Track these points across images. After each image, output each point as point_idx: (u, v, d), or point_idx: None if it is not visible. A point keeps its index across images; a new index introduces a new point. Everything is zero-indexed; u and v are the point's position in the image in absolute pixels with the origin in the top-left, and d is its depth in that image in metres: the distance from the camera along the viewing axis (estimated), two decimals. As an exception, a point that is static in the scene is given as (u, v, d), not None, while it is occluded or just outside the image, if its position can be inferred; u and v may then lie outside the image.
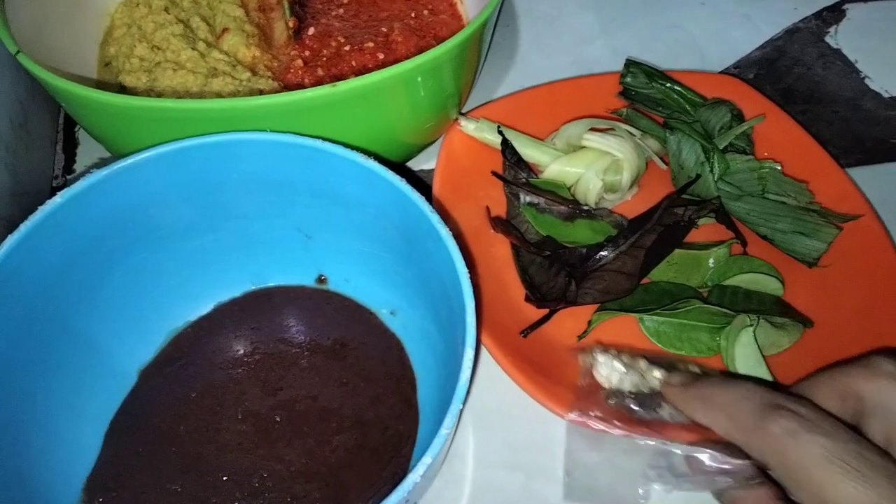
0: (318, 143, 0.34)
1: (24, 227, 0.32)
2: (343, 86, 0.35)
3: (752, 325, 0.39)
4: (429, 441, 0.34)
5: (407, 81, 0.38)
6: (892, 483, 0.24)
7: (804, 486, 0.26)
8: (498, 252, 0.45)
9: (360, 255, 0.40)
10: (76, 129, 0.52)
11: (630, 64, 0.50)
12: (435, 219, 0.32)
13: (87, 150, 0.51)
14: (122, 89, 0.46)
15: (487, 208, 0.46)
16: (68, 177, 0.49)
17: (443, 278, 0.33)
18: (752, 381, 0.30)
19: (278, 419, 0.37)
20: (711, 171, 0.44)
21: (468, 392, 0.28)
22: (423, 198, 0.33)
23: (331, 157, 0.35)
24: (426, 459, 0.26)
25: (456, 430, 0.28)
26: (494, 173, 0.46)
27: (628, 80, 0.50)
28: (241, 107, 0.35)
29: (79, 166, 0.50)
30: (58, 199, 0.33)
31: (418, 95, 0.40)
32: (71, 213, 0.33)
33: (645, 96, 0.50)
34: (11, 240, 0.31)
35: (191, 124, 0.35)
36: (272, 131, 0.36)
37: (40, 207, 0.32)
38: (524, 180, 0.46)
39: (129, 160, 0.34)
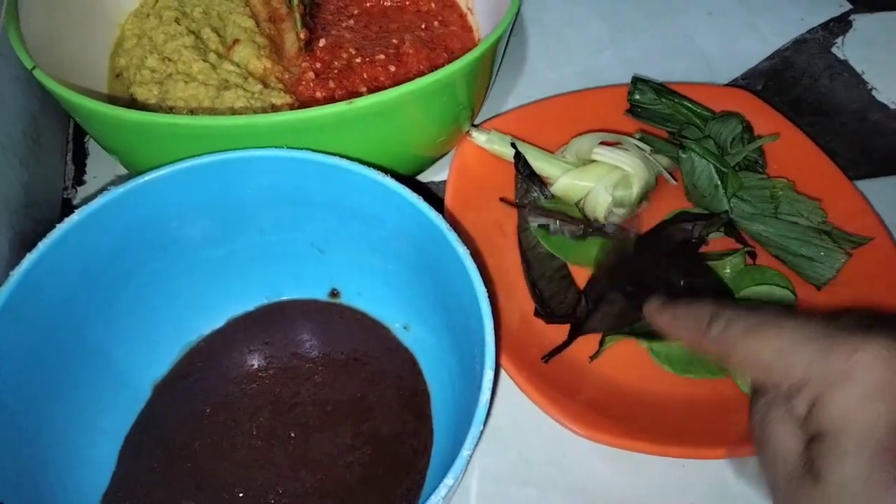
0: (335, 161, 0.35)
1: (42, 245, 0.32)
2: (360, 102, 0.36)
3: None
4: (444, 456, 0.35)
5: (423, 97, 0.38)
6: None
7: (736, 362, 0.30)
8: (509, 263, 0.45)
9: (373, 269, 0.40)
10: (86, 140, 0.52)
11: (637, 81, 0.51)
12: (452, 237, 0.32)
13: (98, 162, 0.51)
14: (133, 101, 0.46)
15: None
16: (78, 188, 0.49)
17: (459, 295, 0.33)
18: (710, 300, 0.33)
19: (293, 435, 0.37)
20: (725, 192, 0.44)
21: (488, 412, 0.28)
22: (440, 216, 0.33)
23: (347, 173, 0.35)
24: (448, 481, 0.26)
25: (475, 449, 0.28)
26: (502, 199, 0.47)
27: (636, 97, 0.50)
28: (258, 123, 0.35)
29: (89, 177, 0.50)
30: (75, 216, 0.33)
31: (433, 110, 0.40)
32: (88, 230, 0.33)
33: (653, 112, 0.50)
34: (30, 258, 0.31)
35: (207, 140, 0.36)
36: (288, 147, 0.36)
37: (58, 225, 0.32)
38: (532, 199, 0.46)
39: (147, 177, 0.34)
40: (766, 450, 0.29)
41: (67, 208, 0.48)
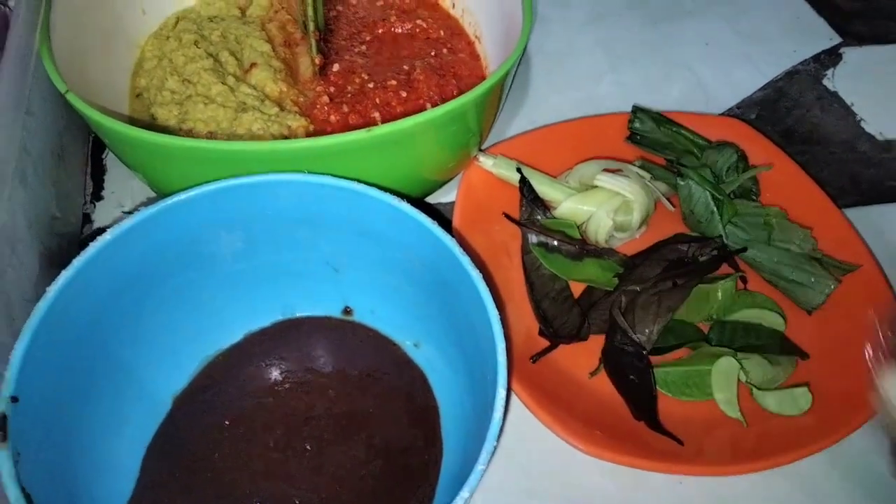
0: (355, 186, 0.36)
1: (76, 263, 0.33)
2: (378, 130, 0.37)
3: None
4: (453, 469, 0.37)
5: (437, 126, 0.40)
6: None
7: None
8: (514, 283, 0.47)
9: (385, 288, 0.42)
10: (104, 157, 0.53)
11: (637, 110, 0.53)
12: (466, 261, 0.34)
13: (115, 177, 0.52)
14: (153, 120, 0.48)
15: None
16: (97, 203, 0.51)
17: (470, 316, 0.35)
18: None
19: (308, 447, 0.38)
20: (721, 218, 0.46)
21: (502, 429, 0.30)
22: (454, 240, 0.35)
23: (365, 198, 0.37)
24: (464, 493, 0.28)
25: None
26: (506, 215, 0.48)
27: (636, 125, 0.52)
28: (282, 149, 0.37)
29: (107, 193, 0.51)
30: (107, 235, 0.34)
31: (445, 138, 0.42)
32: (119, 248, 0.35)
33: (652, 140, 0.52)
34: (65, 275, 0.33)
35: (233, 163, 0.37)
36: (309, 171, 0.37)
37: (91, 244, 0.34)
38: (535, 220, 0.48)
39: (176, 198, 0.35)
40: None
41: (86, 223, 0.50)
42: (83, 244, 0.48)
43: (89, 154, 0.53)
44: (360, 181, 0.37)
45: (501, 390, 0.31)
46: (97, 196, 0.51)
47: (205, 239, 0.38)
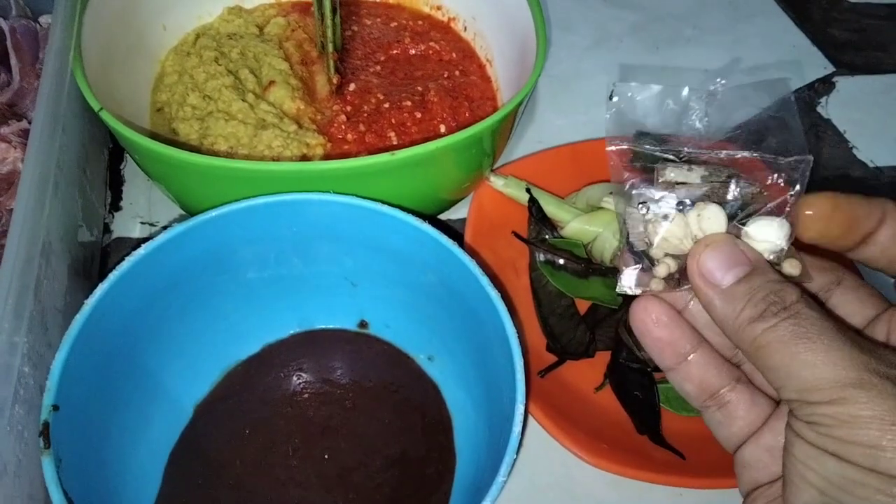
0: (381, 207, 0.38)
1: (112, 277, 0.35)
2: (401, 154, 0.39)
3: None
4: (466, 479, 0.38)
5: (455, 150, 0.42)
6: None
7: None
8: (521, 300, 0.48)
9: (401, 303, 0.43)
10: (122, 168, 0.55)
11: (639, 135, 0.55)
12: (485, 282, 0.36)
13: (133, 188, 0.53)
14: (175, 135, 0.49)
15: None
16: (115, 213, 0.52)
17: (486, 332, 0.37)
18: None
19: (326, 457, 0.40)
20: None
21: (520, 443, 0.32)
22: (474, 261, 0.37)
23: (389, 218, 0.38)
24: (486, 504, 0.30)
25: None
26: (514, 233, 0.50)
27: (638, 149, 0.54)
28: (309, 170, 0.39)
29: (125, 203, 0.53)
30: (141, 251, 0.36)
31: (462, 161, 0.44)
32: (151, 263, 0.36)
33: (653, 163, 0.54)
34: (102, 288, 0.34)
35: (261, 182, 0.39)
36: (333, 191, 0.39)
37: (126, 258, 0.35)
38: (542, 238, 0.50)
39: (207, 216, 0.37)
40: None
41: (105, 232, 0.51)
42: (105, 253, 0.49)
43: (106, 166, 0.54)
44: (379, 200, 0.39)
45: (520, 405, 0.32)
46: (115, 206, 0.53)
47: (231, 253, 0.39)
